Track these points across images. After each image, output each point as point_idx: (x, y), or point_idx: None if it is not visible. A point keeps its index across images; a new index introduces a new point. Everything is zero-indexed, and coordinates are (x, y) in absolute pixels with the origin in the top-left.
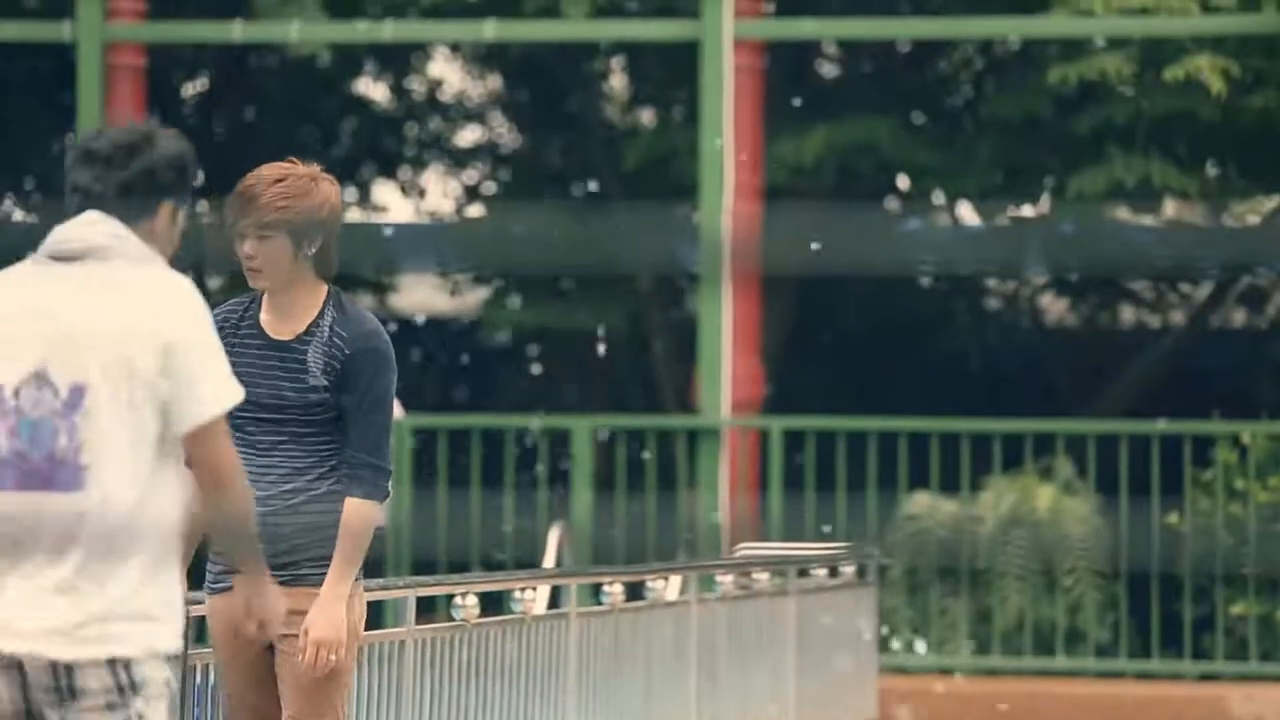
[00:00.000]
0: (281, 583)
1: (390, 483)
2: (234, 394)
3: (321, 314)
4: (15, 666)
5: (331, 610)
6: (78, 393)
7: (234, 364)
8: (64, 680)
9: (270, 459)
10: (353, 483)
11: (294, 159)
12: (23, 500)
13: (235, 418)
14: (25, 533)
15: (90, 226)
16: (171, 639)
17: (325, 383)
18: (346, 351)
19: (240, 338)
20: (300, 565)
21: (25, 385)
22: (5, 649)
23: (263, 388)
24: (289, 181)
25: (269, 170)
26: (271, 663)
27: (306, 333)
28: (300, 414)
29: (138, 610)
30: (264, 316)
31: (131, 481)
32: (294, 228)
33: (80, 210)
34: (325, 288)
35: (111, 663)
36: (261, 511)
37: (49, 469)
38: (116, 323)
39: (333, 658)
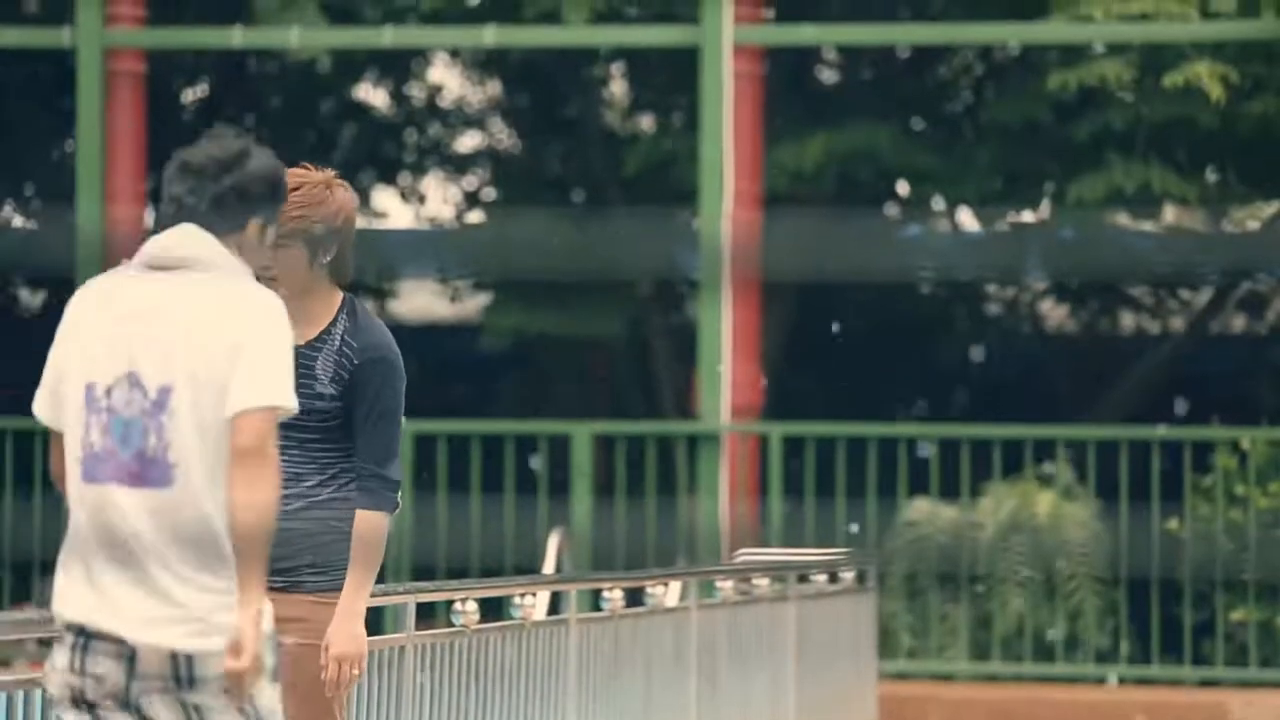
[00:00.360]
0: (278, 589)
1: (400, 494)
2: (287, 398)
3: (334, 322)
4: (126, 655)
5: (351, 624)
6: (165, 394)
7: None
8: (184, 670)
9: None
10: (362, 494)
11: (307, 165)
12: (116, 494)
13: None
14: (120, 525)
15: (183, 238)
16: (267, 622)
17: (333, 391)
18: (356, 361)
19: None
20: (298, 571)
21: (117, 385)
22: (122, 635)
23: None
24: (305, 190)
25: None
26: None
27: (317, 340)
28: (304, 421)
29: (235, 600)
30: None
31: (212, 478)
32: (310, 236)
33: (174, 221)
34: (340, 295)
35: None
36: None
37: (139, 466)
38: (201, 330)
39: (355, 672)
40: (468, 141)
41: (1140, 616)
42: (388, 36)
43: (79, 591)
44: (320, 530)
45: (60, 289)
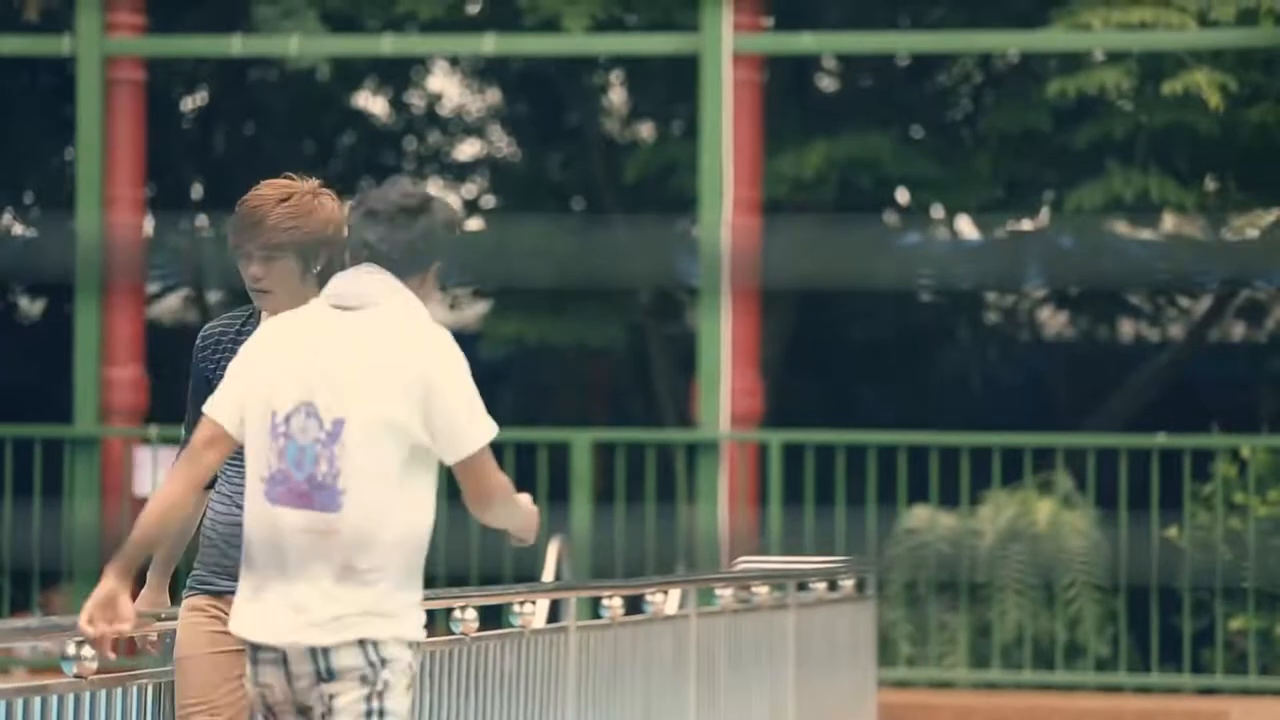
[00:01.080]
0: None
1: None
2: (492, 429)
3: None
4: (280, 660)
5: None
6: (339, 425)
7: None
8: (322, 663)
9: None
10: None
11: (292, 175)
12: (287, 515)
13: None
14: (287, 544)
15: (368, 278)
16: (415, 630)
17: None
18: None
19: (238, 353)
20: None
21: (295, 414)
22: (270, 643)
23: None
24: (294, 200)
25: (271, 189)
26: (238, 665)
27: None
28: None
29: (386, 610)
30: None
31: (379, 504)
32: (301, 247)
33: (361, 262)
34: None
35: (362, 643)
36: None
37: (309, 491)
38: (379, 366)
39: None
40: (467, 149)
41: (1140, 625)
42: (387, 45)
43: (247, 609)
44: None
45: (60, 296)
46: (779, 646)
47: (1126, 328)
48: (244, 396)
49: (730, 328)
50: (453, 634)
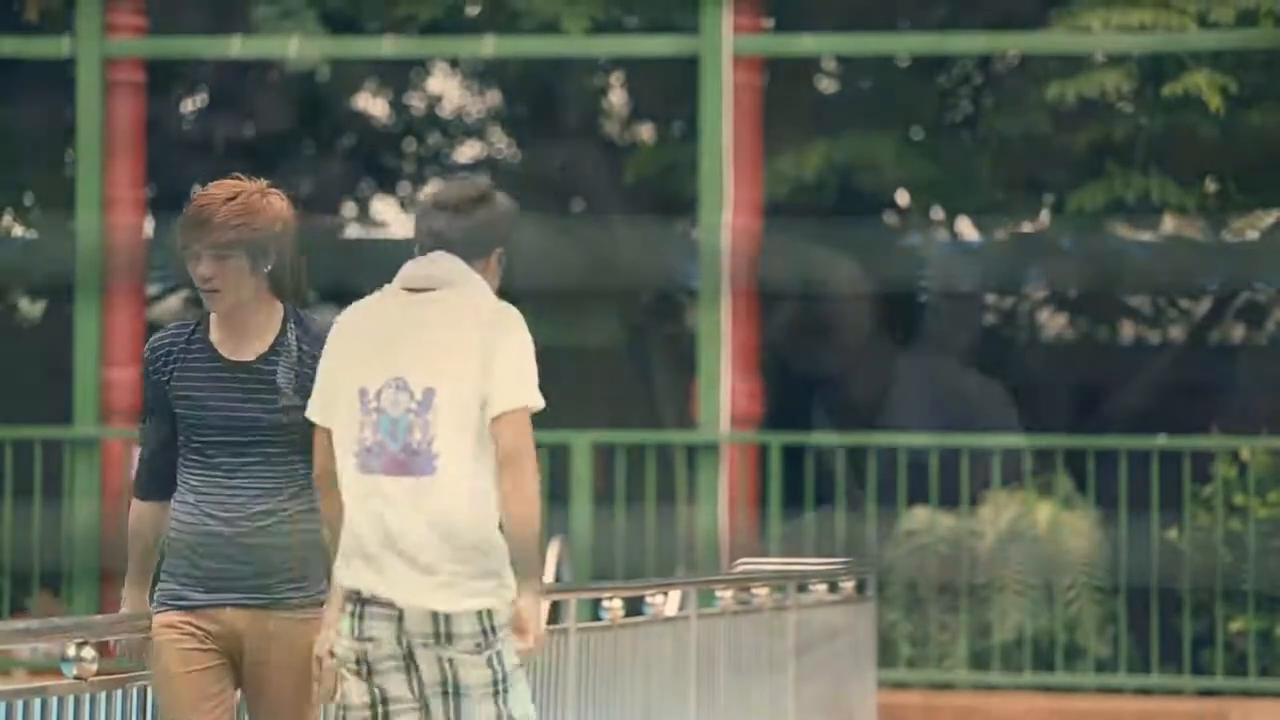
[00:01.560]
0: (258, 606)
1: None
2: (537, 398)
3: (284, 332)
4: (397, 616)
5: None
6: (429, 395)
7: (185, 388)
8: (442, 627)
9: (237, 481)
10: None
11: (240, 175)
12: (385, 483)
13: (194, 441)
14: (388, 510)
15: (438, 263)
16: (509, 599)
17: (299, 401)
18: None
19: (190, 361)
20: (278, 589)
21: (386, 389)
22: (391, 598)
23: (220, 410)
24: (242, 199)
25: (219, 189)
26: (216, 681)
27: (272, 352)
28: (271, 435)
29: (491, 570)
30: (215, 337)
31: (470, 467)
32: (250, 245)
33: (430, 250)
34: (280, 305)
35: (479, 613)
36: (231, 534)
37: (405, 458)
38: (457, 339)
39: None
40: (467, 151)
41: (1140, 626)
42: (387, 46)
43: (356, 565)
44: (297, 544)
45: (60, 298)
46: (779, 648)
47: (1127, 329)
48: (328, 387)
49: (730, 329)
50: None
